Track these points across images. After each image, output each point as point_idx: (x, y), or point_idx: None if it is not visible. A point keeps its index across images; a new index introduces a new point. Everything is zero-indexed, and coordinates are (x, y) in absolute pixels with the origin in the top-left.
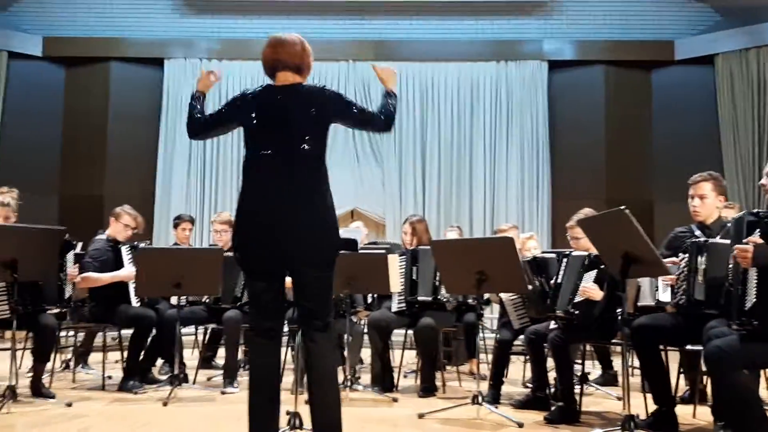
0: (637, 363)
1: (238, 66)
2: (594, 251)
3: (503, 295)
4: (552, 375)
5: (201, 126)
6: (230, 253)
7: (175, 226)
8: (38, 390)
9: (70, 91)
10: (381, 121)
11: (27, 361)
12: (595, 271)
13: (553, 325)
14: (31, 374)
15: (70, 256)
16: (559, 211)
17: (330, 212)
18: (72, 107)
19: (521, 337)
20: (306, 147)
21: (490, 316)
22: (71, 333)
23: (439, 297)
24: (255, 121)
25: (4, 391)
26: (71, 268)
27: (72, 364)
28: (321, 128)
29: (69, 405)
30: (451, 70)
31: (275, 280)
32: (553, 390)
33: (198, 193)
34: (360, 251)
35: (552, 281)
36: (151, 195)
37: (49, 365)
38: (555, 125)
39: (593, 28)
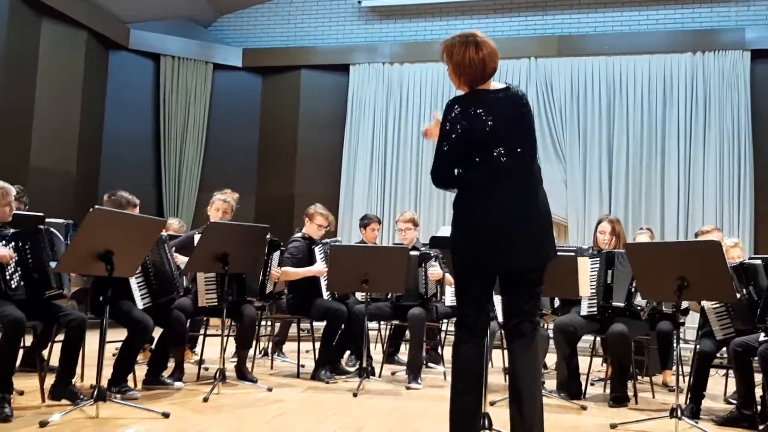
0: None
1: (419, 68)
2: None
3: (705, 304)
4: (759, 392)
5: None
6: (414, 252)
7: (364, 226)
8: (242, 374)
9: (266, 98)
10: None
11: (230, 347)
12: None
13: (763, 337)
14: (235, 359)
15: (275, 256)
16: (763, 214)
17: (549, 213)
18: (267, 113)
19: (723, 348)
20: (530, 148)
21: (686, 325)
22: (269, 323)
23: (633, 304)
24: (487, 130)
25: (215, 373)
26: (275, 268)
27: (270, 351)
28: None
29: (269, 390)
30: (641, 64)
31: (493, 282)
32: (759, 408)
33: (379, 192)
34: None
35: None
36: (335, 195)
37: (250, 352)
38: (758, 120)
39: None
